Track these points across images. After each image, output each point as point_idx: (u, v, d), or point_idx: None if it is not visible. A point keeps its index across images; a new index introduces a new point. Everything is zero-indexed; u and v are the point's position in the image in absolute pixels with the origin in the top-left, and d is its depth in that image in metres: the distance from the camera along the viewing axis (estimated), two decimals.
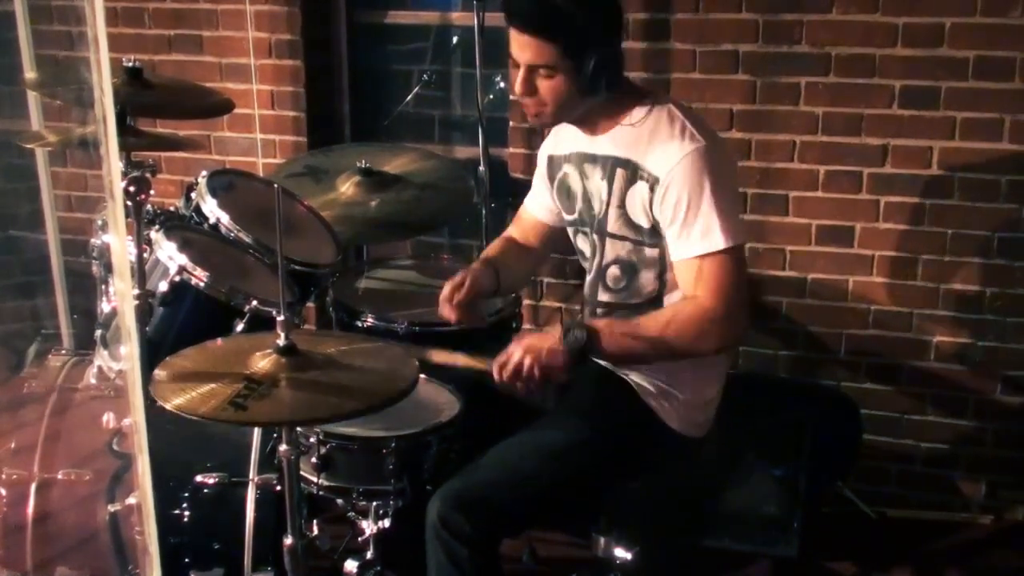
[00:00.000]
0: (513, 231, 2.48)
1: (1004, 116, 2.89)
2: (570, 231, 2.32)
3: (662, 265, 2.13)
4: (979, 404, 3.11)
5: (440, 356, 2.21)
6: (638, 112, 2.11)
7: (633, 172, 2.10)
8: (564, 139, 2.28)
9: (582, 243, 2.29)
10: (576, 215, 2.27)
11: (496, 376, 2.06)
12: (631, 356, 2.12)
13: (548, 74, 2.04)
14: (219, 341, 2.00)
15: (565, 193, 2.29)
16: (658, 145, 2.06)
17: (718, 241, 2.00)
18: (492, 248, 2.43)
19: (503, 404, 2.32)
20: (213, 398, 1.69)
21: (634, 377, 2.20)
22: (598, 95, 2.07)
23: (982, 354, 3.07)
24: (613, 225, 2.16)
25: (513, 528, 2.24)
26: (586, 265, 2.30)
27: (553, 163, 2.32)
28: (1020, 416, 3.08)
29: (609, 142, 2.15)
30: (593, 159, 2.19)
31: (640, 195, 2.09)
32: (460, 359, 2.18)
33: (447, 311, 2.27)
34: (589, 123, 2.17)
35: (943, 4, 2.86)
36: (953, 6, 2.85)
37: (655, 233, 2.10)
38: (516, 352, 2.04)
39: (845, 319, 3.16)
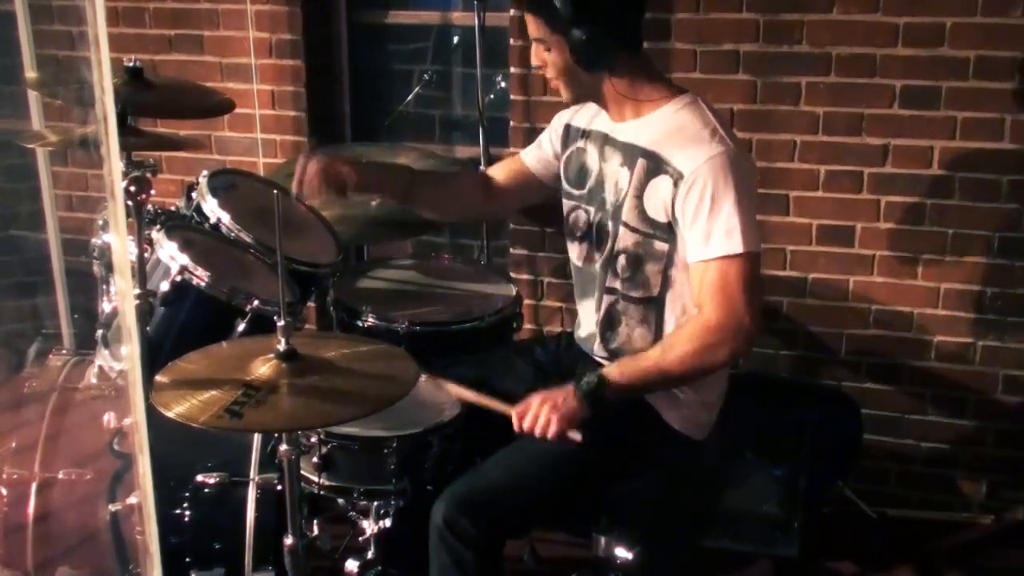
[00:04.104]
0: (488, 167, 2.57)
1: (1004, 116, 2.89)
2: (568, 204, 2.33)
3: (668, 261, 2.13)
4: (979, 404, 3.12)
5: (458, 391, 2.23)
6: (669, 106, 2.13)
7: (656, 165, 2.10)
8: (587, 114, 2.30)
9: (579, 220, 2.30)
10: (585, 192, 2.28)
11: (516, 426, 2.07)
12: (646, 390, 2.13)
13: (545, 47, 2.14)
14: (224, 345, 2.00)
15: (577, 167, 2.30)
16: (687, 142, 2.06)
17: (737, 244, 2.00)
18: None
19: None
20: (213, 405, 1.70)
21: None
22: (598, 70, 2.11)
23: (982, 354, 3.07)
24: (628, 215, 2.16)
25: (518, 530, 2.25)
26: (576, 243, 2.31)
27: (570, 132, 2.34)
28: (1020, 416, 3.08)
29: (634, 131, 2.16)
30: (614, 144, 2.20)
31: (662, 189, 2.08)
32: (479, 399, 2.19)
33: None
34: (614, 107, 2.19)
35: (943, 4, 2.85)
36: (953, 6, 2.85)
37: (669, 229, 2.10)
38: (535, 402, 2.05)
39: (846, 319, 3.16)
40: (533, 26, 2.14)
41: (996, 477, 3.16)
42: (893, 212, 3.04)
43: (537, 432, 2.03)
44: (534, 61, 2.19)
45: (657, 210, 2.10)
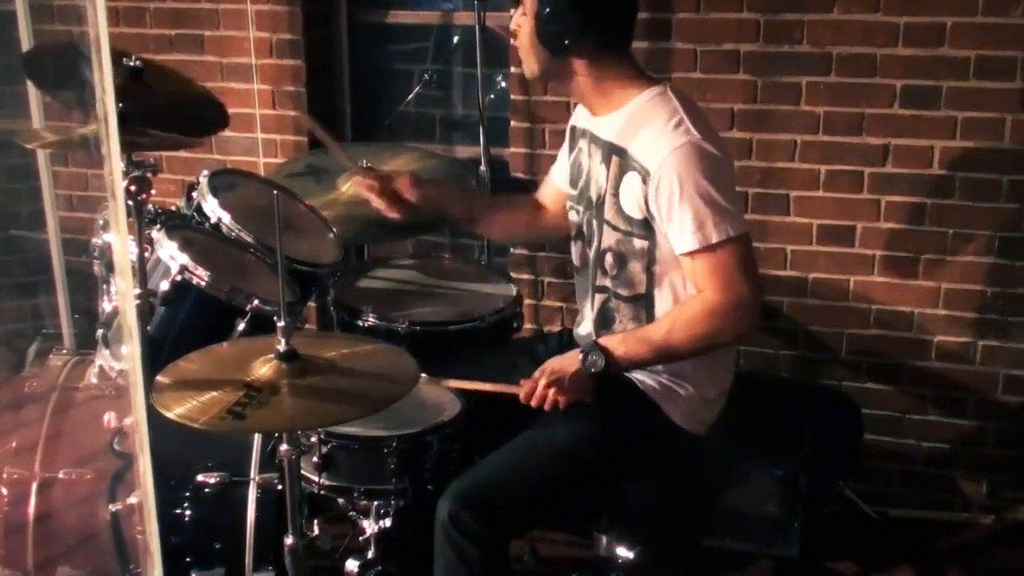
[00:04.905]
0: (537, 192, 2.58)
1: (1005, 116, 2.89)
2: (566, 205, 2.35)
3: (650, 258, 2.13)
4: (980, 404, 3.12)
5: (460, 384, 2.25)
6: (638, 99, 2.13)
7: (626, 161, 2.10)
8: (584, 112, 2.30)
9: (573, 218, 2.31)
10: (577, 191, 2.29)
11: (523, 401, 2.12)
12: (650, 364, 2.15)
13: (523, 11, 2.14)
14: (224, 345, 2.00)
15: (576, 168, 2.32)
16: (649, 136, 2.07)
17: (711, 235, 2.01)
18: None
19: (504, 403, 2.33)
20: (213, 406, 1.70)
21: (637, 374, 2.20)
22: (559, 53, 2.10)
23: (983, 354, 3.07)
24: (608, 212, 2.17)
25: (522, 526, 2.25)
26: (573, 244, 2.32)
27: (575, 134, 2.35)
28: (1021, 416, 3.08)
29: (608, 126, 2.16)
30: (596, 140, 2.21)
31: (633, 186, 2.09)
32: (484, 386, 2.21)
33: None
34: (588, 98, 2.19)
35: (944, 4, 2.86)
36: (954, 6, 2.85)
37: (646, 226, 2.10)
38: (542, 380, 2.10)
39: (846, 319, 3.16)
40: None
41: (996, 477, 3.16)
42: (893, 212, 3.04)
43: (546, 409, 2.10)
44: (512, 25, 2.18)
45: (632, 207, 2.11)
